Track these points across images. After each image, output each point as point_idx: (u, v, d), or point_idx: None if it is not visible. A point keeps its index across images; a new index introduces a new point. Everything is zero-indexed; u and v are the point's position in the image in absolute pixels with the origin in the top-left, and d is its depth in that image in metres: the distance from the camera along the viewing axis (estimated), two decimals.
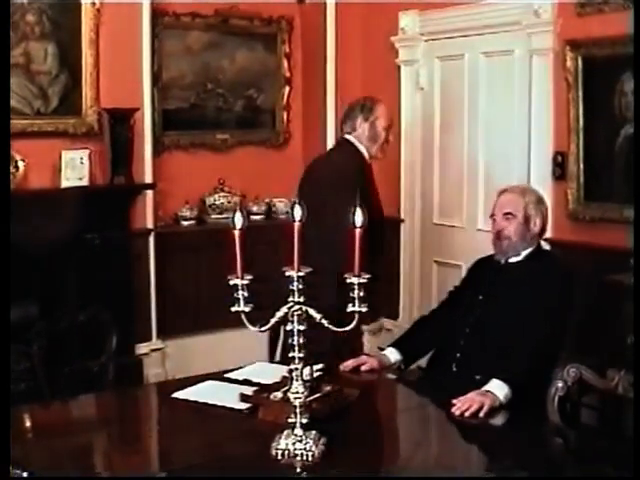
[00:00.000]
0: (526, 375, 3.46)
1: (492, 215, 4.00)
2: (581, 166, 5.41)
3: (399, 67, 6.65)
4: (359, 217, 2.66)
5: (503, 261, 3.95)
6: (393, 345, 3.91)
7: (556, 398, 3.25)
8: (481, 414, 3.23)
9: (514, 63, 5.82)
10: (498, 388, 3.37)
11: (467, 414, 3.22)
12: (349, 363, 3.74)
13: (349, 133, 4.94)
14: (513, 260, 3.93)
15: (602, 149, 5.32)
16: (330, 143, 7.00)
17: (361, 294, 2.68)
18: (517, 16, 5.64)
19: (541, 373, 3.42)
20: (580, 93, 5.36)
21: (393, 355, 3.85)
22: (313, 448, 2.73)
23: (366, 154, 4.90)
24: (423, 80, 6.53)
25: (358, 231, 2.65)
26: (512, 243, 3.89)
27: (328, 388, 3.21)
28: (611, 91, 5.19)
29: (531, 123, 5.70)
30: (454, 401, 3.26)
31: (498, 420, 3.26)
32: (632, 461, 2.36)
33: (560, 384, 3.25)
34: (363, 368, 3.72)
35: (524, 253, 3.92)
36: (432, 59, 6.47)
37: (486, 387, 3.37)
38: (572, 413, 3.54)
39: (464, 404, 3.25)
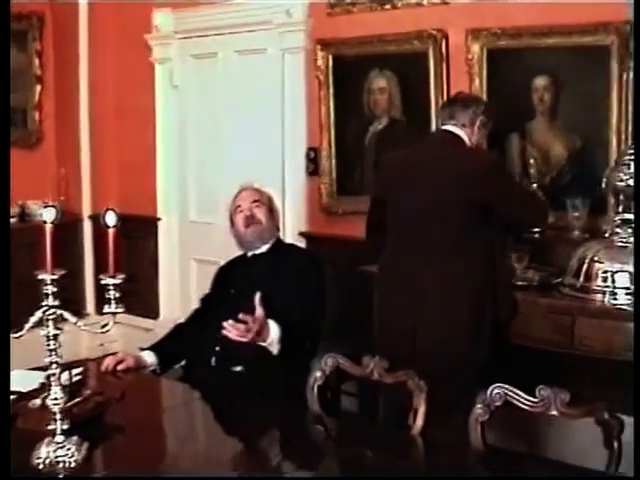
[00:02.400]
0: (290, 337, 3.70)
1: (237, 207, 4.16)
2: (333, 161, 5.57)
3: (153, 65, 6.61)
4: (111, 217, 2.63)
5: (250, 254, 4.12)
6: (150, 348, 3.95)
7: (315, 387, 3.32)
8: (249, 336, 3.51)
9: (267, 61, 5.88)
10: (273, 326, 3.65)
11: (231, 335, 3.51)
12: (109, 362, 3.72)
13: (461, 126, 4.17)
14: (258, 252, 4.11)
15: (353, 145, 5.48)
16: (85, 143, 6.87)
17: (117, 295, 2.65)
18: (269, 15, 5.71)
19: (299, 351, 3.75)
20: (331, 91, 5.51)
21: (150, 357, 3.88)
22: (75, 454, 2.67)
23: None
24: (177, 78, 6.53)
25: (112, 231, 2.62)
26: (264, 227, 4.10)
27: (88, 392, 3.17)
28: (360, 89, 5.37)
29: (284, 120, 5.80)
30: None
31: (261, 412, 3.30)
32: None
33: (318, 374, 3.33)
34: (120, 367, 3.71)
35: (267, 245, 4.12)
36: (186, 57, 6.46)
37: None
38: (332, 401, 3.65)
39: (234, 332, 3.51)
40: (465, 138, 4.15)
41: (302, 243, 5.51)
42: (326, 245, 5.41)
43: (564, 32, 4.53)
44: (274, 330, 3.65)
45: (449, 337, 3.98)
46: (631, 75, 4.36)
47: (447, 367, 3.89)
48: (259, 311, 3.60)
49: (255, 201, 4.14)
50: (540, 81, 4.69)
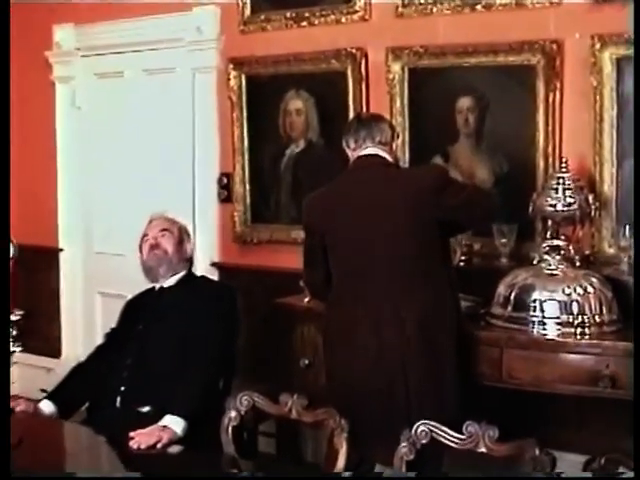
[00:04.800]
0: (198, 404, 3.58)
1: (145, 236, 4.10)
2: (247, 187, 5.46)
3: (54, 84, 6.37)
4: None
5: (157, 287, 4.06)
6: (49, 396, 3.84)
7: (230, 428, 3.24)
8: (159, 446, 3.28)
9: (176, 81, 5.75)
10: (174, 423, 3.44)
11: (143, 446, 3.23)
12: None
13: (381, 145, 3.89)
14: (167, 285, 4.04)
15: (268, 170, 5.39)
16: None
17: (14, 332, 2.47)
18: (179, 32, 5.57)
19: (212, 398, 3.62)
20: (244, 112, 5.42)
21: (48, 408, 3.77)
22: None
23: None
24: (80, 98, 6.31)
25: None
26: (168, 257, 4.03)
27: None
28: (275, 110, 5.29)
29: (195, 143, 5.67)
30: (132, 434, 3.27)
31: (172, 454, 3.27)
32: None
33: (233, 414, 3.25)
34: (18, 409, 3.59)
35: (177, 277, 4.05)
36: (90, 76, 6.26)
37: (162, 423, 3.42)
38: (249, 441, 3.58)
39: (142, 438, 3.27)
40: (388, 157, 3.88)
41: (214, 274, 5.38)
42: (240, 276, 5.29)
43: (489, 51, 4.54)
44: (178, 428, 3.45)
45: (439, 369, 3.71)
46: (557, 96, 4.36)
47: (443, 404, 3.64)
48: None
49: (163, 230, 4.09)
50: (464, 102, 4.66)
